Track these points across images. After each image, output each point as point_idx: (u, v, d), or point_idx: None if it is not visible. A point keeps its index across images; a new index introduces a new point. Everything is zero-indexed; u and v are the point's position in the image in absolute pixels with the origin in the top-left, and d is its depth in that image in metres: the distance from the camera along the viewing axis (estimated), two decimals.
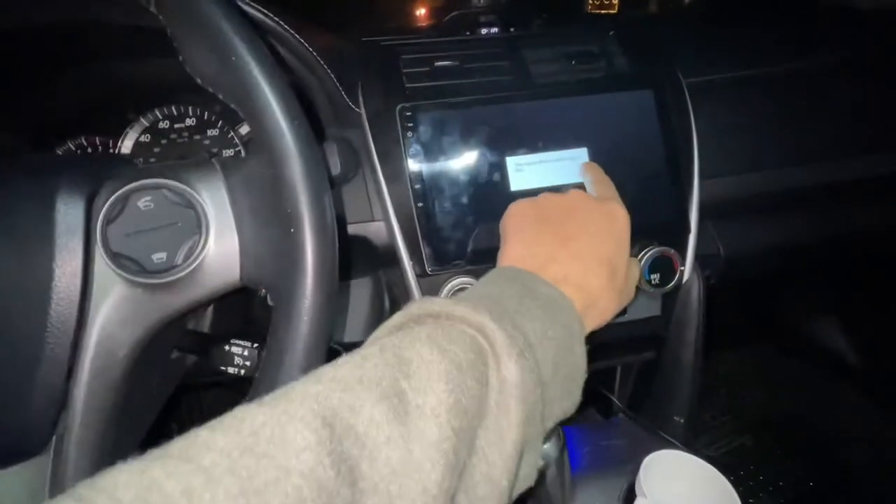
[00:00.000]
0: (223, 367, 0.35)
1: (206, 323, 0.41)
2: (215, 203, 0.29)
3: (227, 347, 0.35)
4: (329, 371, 0.23)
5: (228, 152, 0.56)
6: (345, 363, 0.24)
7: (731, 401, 1.14)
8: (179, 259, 0.29)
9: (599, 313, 0.36)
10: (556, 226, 0.37)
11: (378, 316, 0.58)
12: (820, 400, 1.09)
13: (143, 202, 0.29)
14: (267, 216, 0.28)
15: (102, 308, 0.28)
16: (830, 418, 1.05)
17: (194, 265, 0.29)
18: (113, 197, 0.28)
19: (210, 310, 0.41)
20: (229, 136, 0.59)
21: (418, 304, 0.28)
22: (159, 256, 0.28)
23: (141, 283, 0.29)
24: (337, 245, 0.29)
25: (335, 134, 0.51)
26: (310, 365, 0.28)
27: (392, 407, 0.22)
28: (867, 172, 0.66)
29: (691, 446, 0.60)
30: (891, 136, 0.66)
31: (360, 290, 0.59)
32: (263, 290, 0.31)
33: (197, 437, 0.19)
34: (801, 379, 1.14)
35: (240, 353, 0.35)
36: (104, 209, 0.28)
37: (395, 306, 0.55)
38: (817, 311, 1.15)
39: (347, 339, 0.57)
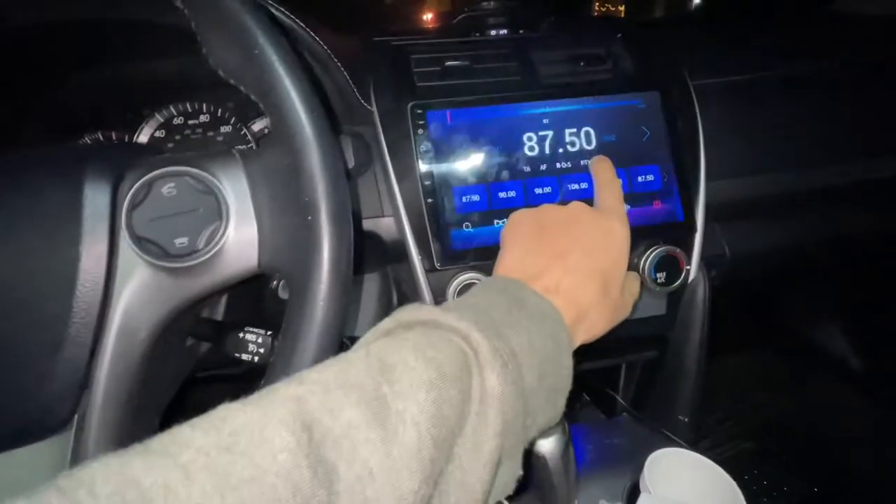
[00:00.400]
0: (237, 354, 0.36)
1: (219, 311, 0.42)
2: (235, 191, 0.30)
3: (241, 335, 0.36)
4: (313, 374, 0.23)
5: (241, 148, 0.58)
6: (329, 366, 0.24)
7: (734, 404, 1.14)
8: (201, 244, 0.29)
9: (589, 327, 0.36)
10: (553, 238, 0.38)
11: (386, 311, 0.59)
12: (822, 402, 1.09)
13: (167, 188, 0.29)
14: (285, 205, 0.29)
15: (126, 290, 0.29)
16: (833, 421, 1.05)
17: (215, 250, 0.29)
18: (138, 183, 0.29)
19: (224, 299, 0.42)
20: (242, 132, 0.60)
21: (408, 311, 0.28)
22: (181, 241, 0.29)
23: (163, 267, 0.29)
24: (352, 235, 0.30)
25: (348, 130, 0.52)
26: (323, 352, 0.29)
27: (372, 410, 0.22)
28: (872, 175, 0.66)
29: (695, 445, 0.60)
30: (894, 138, 0.67)
31: (369, 285, 0.60)
32: (277, 279, 0.32)
33: (178, 434, 0.19)
34: (802, 381, 1.14)
35: (254, 340, 0.36)
36: (129, 194, 0.29)
37: (404, 301, 0.56)
38: (819, 314, 1.15)
39: (358, 333, 0.58)
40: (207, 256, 0.29)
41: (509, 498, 0.29)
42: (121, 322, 0.29)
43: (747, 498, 0.47)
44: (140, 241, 0.29)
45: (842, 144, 0.66)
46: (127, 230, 0.29)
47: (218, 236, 0.29)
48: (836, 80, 0.66)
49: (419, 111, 0.52)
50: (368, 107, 0.54)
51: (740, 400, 1.14)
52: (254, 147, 0.58)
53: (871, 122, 0.66)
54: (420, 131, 0.51)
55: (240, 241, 0.30)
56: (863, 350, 1.08)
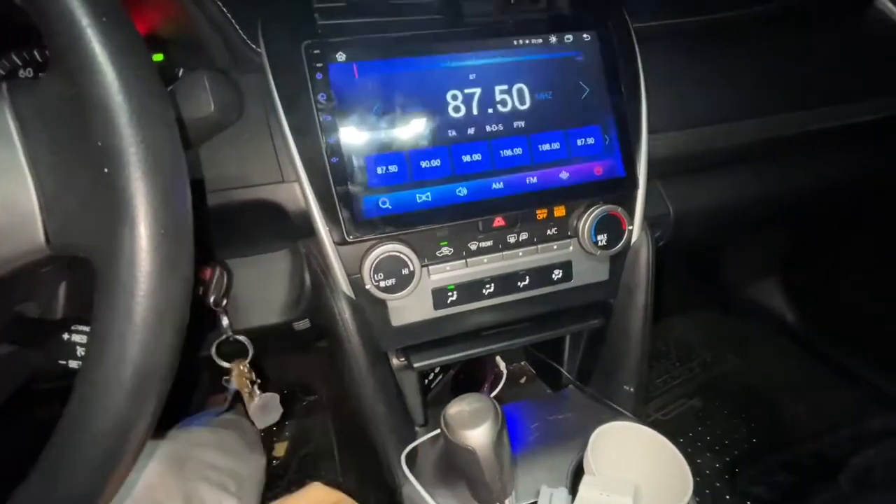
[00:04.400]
0: (62, 361, 0.27)
1: (57, 308, 0.33)
2: None
3: (65, 336, 0.27)
4: None
5: (19, 78, 0.44)
6: None
7: (681, 365, 1.15)
8: None
9: None
10: None
11: (297, 294, 0.51)
12: (762, 359, 1.12)
13: None
14: (72, 153, 0.21)
15: None
16: (772, 376, 1.09)
17: None
18: None
19: (61, 291, 0.33)
20: None
21: None
22: None
23: None
24: (185, 187, 0.22)
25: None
26: (148, 358, 0.21)
27: None
28: (813, 126, 0.64)
29: (641, 415, 0.57)
30: (838, 90, 0.65)
31: (276, 265, 0.52)
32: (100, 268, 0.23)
33: None
34: (744, 340, 1.17)
35: (83, 341, 0.27)
36: None
37: (316, 281, 0.49)
38: (759, 274, 1.18)
39: (262, 321, 0.50)
40: None
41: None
42: None
43: (692, 454, 0.45)
44: None
45: (783, 95, 0.63)
46: None
47: None
48: (780, 24, 0.63)
49: (317, 51, 0.43)
50: (256, 48, 0.44)
51: (687, 360, 1.16)
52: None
53: (815, 72, 0.63)
54: (319, 76, 0.43)
55: (6, 211, 0.21)
56: (799, 306, 1.12)
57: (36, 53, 0.48)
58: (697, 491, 0.44)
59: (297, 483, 0.93)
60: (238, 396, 0.50)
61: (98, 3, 0.20)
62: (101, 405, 0.20)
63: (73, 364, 0.27)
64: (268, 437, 1.00)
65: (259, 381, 0.42)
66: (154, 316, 0.21)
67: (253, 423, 0.66)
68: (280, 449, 0.99)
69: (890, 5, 0.68)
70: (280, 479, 0.93)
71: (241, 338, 0.42)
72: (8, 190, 0.21)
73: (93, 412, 0.20)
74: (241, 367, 0.47)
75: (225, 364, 0.46)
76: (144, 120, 0.20)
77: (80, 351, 0.27)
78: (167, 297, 0.21)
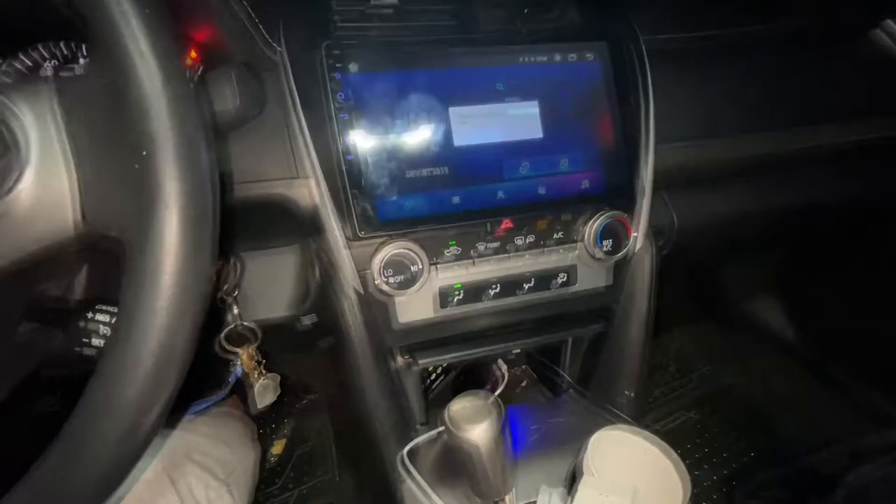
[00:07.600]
0: (84, 340, 0.28)
1: (78, 288, 0.34)
2: (39, 122, 0.22)
3: (89, 315, 0.28)
4: None
5: (65, 74, 0.46)
6: None
7: (680, 377, 1.16)
8: None
9: None
10: None
11: (305, 289, 0.52)
12: (760, 373, 1.13)
13: None
14: (110, 139, 0.22)
15: None
16: (769, 390, 1.09)
17: (5, 199, 0.21)
18: None
19: (83, 273, 0.34)
20: None
21: None
22: None
23: None
24: (214, 174, 0.23)
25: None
26: (172, 336, 0.22)
27: None
28: (818, 143, 0.65)
29: (640, 421, 0.58)
30: (839, 108, 0.66)
31: (286, 260, 0.53)
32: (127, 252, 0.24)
33: None
34: (743, 354, 1.18)
35: (106, 321, 0.28)
36: None
37: (325, 277, 0.49)
38: (758, 290, 1.18)
39: (268, 314, 0.50)
40: None
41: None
42: None
43: (688, 466, 0.45)
44: None
45: (786, 111, 0.64)
46: None
47: (9, 181, 0.21)
48: (789, 42, 0.64)
49: (336, 51, 0.44)
50: (277, 47, 0.45)
51: (686, 373, 1.17)
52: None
53: (823, 89, 0.64)
54: (337, 75, 0.44)
55: (49, 190, 0.22)
56: (797, 322, 1.12)
57: (62, 46, 0.49)
58: None
59: (295, 480, 0.93)
60: (238, 383, 0.51)
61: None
62: (129, 374, 0.21)
63: (97, 341, 0.28)
64: (266, 435, 1.01)
65: (265, 360, 0.43)
66: (180, 292, 0.22)
67: (250, 418, 0.67)
68: (278, 447, 1.00)
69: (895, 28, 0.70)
70: (278, 476, 0.94)
71: (250, 323, 0.43)
72: (52, 171, 0.22)
73: (120, 379, 0.21)
74: (250, 351, 0.48)
75: (235, 350, 0.47)
76: (179, 109, 0.21)
77: (104, 329, 0.28)
78: (193, 275, 0.22)
